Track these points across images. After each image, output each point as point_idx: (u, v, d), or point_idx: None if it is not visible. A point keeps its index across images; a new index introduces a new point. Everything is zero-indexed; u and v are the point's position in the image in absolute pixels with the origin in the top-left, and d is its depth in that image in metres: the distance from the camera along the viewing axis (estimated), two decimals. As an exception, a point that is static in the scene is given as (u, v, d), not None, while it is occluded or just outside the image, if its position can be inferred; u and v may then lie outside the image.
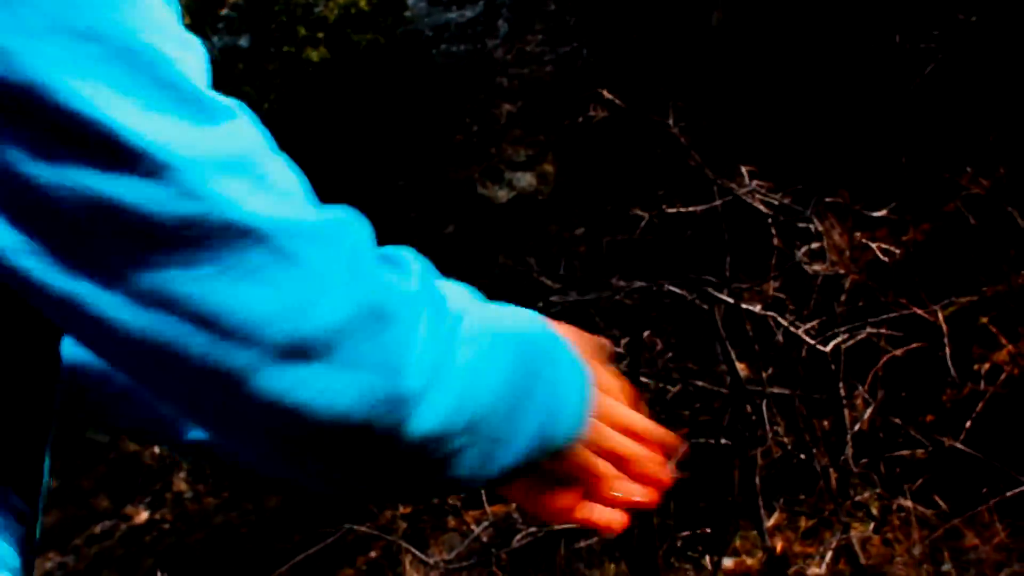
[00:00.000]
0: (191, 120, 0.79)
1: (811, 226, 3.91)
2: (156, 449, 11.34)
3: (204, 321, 0.78)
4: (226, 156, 0.80)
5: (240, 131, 0.82)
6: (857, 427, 3.87)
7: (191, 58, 0.82)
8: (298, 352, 0.78)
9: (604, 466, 1.00)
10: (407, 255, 0.89)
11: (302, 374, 0.78)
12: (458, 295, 0.92)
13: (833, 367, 3.83)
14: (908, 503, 3.62)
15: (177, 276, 0.77)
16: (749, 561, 3.97)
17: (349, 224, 0.85)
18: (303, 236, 0.80)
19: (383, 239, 0.95)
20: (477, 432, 0.87)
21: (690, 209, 4.09)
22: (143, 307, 0.78)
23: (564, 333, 1.00)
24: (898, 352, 4.03)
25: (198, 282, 0.78)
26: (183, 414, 0.90)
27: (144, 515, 9.87)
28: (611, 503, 1.01)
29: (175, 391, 0.82)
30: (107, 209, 0.76)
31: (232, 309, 0.78)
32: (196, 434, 1.19)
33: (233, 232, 0.78)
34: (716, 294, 3.67)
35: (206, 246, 0.78)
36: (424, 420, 0.83)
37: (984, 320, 4.29)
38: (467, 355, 0.87)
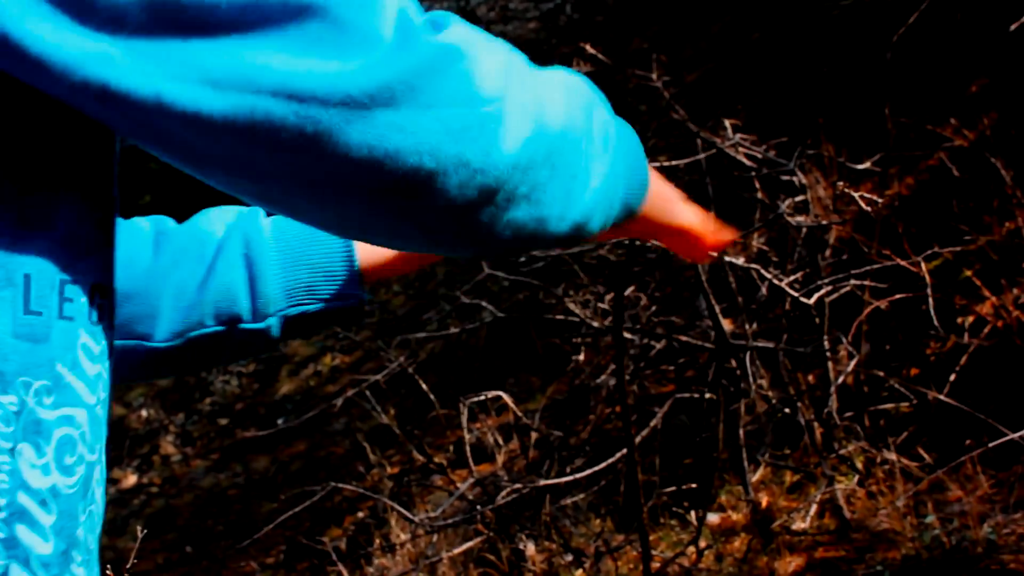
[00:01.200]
0: None
1: (795, 179, 3.89)
2: (143, 412, 11.33)
3: (284, 92, 0.81)
4: None
5: None
6: (841, 380, 3.87)
7: None
8: (378, 101, 0.83)
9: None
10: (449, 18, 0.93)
11: (387, 119, 0.83)
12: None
13: (817, 320, 3.82)
14: (892, 456, 3.62)
15: (249, 55, 0.81)
16: (735, 516, 3.97)
17: None
18: (354, 6, 0.84)
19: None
20: (556, 164, 0.94)
21: (673, 163, 4.06)
22: (225, 91, 0.81)
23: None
24: (882, 304, 4.02)
25: (270, 57, 0.81)
26: (285, 193, 0.89)
27: (132, 479, 9.88)
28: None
29: (274, 170, 0.85)
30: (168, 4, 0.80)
31: (308, 75, 0.81)
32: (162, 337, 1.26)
33: (291, 9, 0.82)
34: (699, 248, 3.64)
35: (271, 24, 0.81)
36: (508, 142, 0.89)
37: (968, 272, 4.28)
38: (534, 86, 0.94)
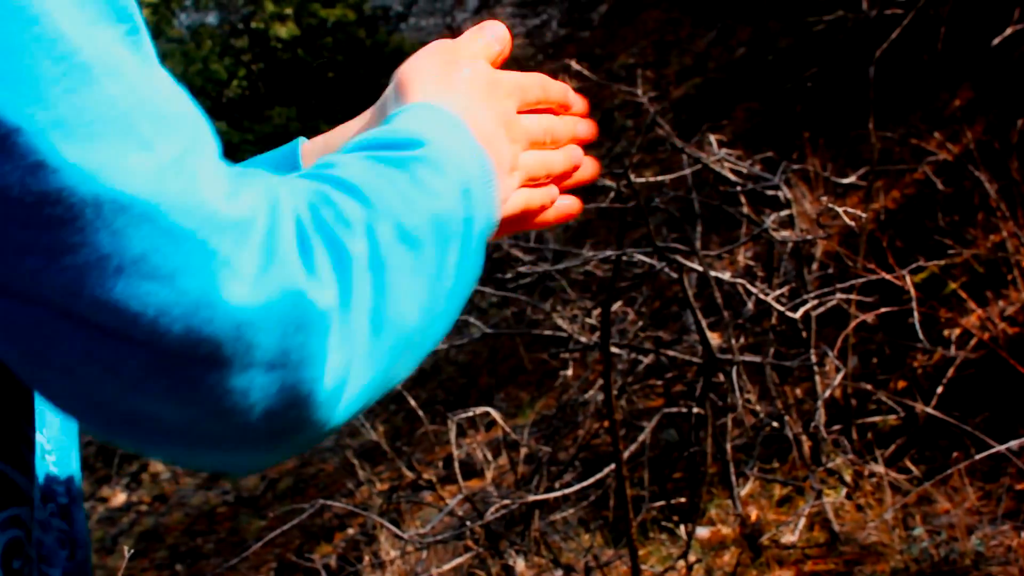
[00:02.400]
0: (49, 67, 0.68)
1: (780, 193, 3.91)
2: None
3: (85, 321, 0.68)
4: (92, 115, 0.68)
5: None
6: (828, 394, 3.88)
7: None
8: (201, 355, 0.69)
9: (530, 195, 1.00)
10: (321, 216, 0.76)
11: (208, 377, 0.69)
12: (358, 181, 0.81)
13: (804, 334, 3.84)
14: (880, 469, 3.63)
15: (47, 268, 0.67)
16: (724, 530, 3.98)
17: (266, 202, 0.73)
18: (201, 217, 0.69)
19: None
20: (412, 347, 0.82)
21: (659, 178, 4.08)
22: (20, 304, 0.68)
23: (445, 66, 0.96)
24: (869, 318, 4.04)
25: (70, 274, 0.67)
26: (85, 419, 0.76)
27: (121, 497, 9.85)
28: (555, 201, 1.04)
29: (68, 394, 0.72)
30: None
31: (115, 306, 0.67)
32: None
33: (107, 209, 0.67)
34: (686, 263, 3.66)
35: (74, 228, 0.67)
36: (347, 406, 0.76)
37: (954, 285, 4.30)
38: (383, 323, 0.78)
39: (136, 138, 0.68)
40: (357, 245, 0.75)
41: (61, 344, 0.69)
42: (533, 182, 1.01)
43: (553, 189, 1.03)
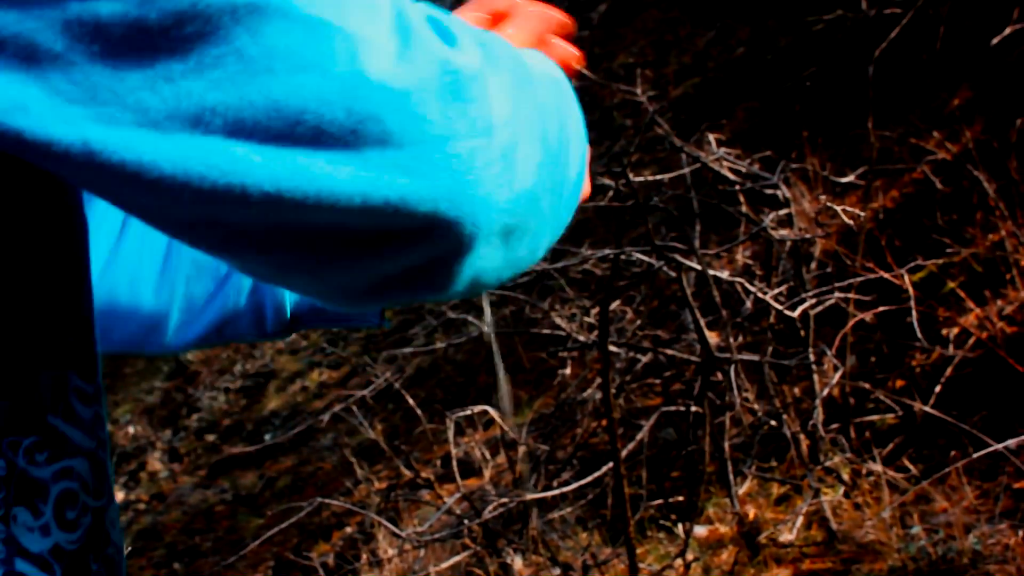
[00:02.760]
0: None
1: (779, 192, 3.91)
2: (131, 429, 11.31)
3: (251, 129, 0.67)
4: None
5: None
6: (826, 392, 3.88)
7: None
8: (372, 135, 0.69)
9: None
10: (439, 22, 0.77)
11: (388, 159, 0.70)
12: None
13: (803, 333, 3.84)
14: (878, 467, 3.63)
15: (191, 86, 0.65)
16: (722, 528, 3.98)
17: None
18: (330, 4, 0.68)
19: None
20: (548, 198, 0.81)
21: (658, 177, 4.08)
22: (169, 134, 0.66)
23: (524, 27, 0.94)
24: (867, 317, 4.04)
25: (220, 87, 0.66)
26: (248, 259, 0.74)
27: (119, 496, 9.85)
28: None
29: (236, 240, 0.72)
30: (87, 22, 0.64)
31: (278, 107, 0.66)
32: (180, 337, 1.17)
33: (241, 12, 0.66)
34: (684, 261, 3.66)
35: (218, 39, 0.66)
36: (522, 178, 0.76)
37: (952, 284, 4.30)
38: (531, 101, 0.79)
39: None
40: (494, 109, 0.75)
41: (247, 168, 0.68)
42: None
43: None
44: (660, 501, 4.11)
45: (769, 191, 3.91)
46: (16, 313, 0.75)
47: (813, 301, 3.80)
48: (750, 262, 4.37)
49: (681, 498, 4.12)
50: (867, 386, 4.04)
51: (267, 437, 10.19)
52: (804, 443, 3.81)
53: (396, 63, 0.69)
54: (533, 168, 0.77)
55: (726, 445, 3.79)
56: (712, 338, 3.93)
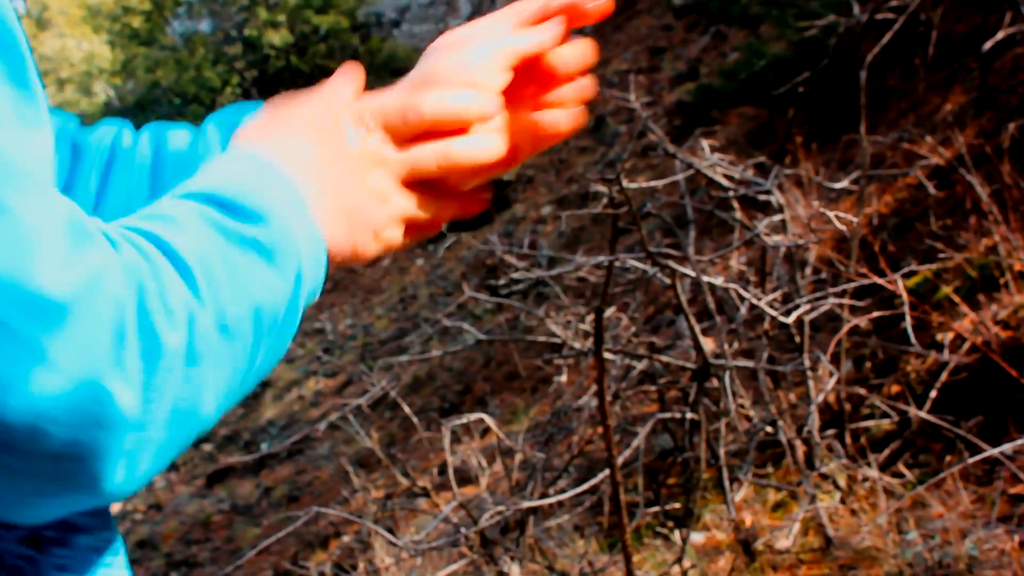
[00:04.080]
0: None
1: (773, 198, 3.91)
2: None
3: None
4: None
5: None
6: (822, 398, 3.88)
7: None
8: None
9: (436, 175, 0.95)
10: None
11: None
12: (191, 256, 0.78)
13: (798, 339, 3.84)
14: (874, 473, 3.63)
15: None
16: (719, 535, 3.98)
17: (93, 279, 0.70)
18: (19, 299, 0.67)
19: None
20: (200, 425, 0.79)
21: (652, 184, 4.08)
22: None
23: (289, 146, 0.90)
24: (862, 322, 4.04)
25: None
26: None
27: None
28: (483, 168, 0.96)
29: None
30: None
31: None
32: None
33: None
34: (679, 268, 3.66)
35: None
36: (133, 484, 0.75)
37: (947, 289, 4.30)
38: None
39: None
40: (174, 338, 0.73)
41: None
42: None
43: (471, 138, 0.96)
44: (657, 508, 4.11)
45: (763, 197, 3.91)
46: None
47: (808, 307, 3.80)
48: (744, 268, 4.38)
49: (678, 505, 4.12)
50: (863, 392, 4.04)
51: (264, 446, 10.19)
52: (800, 449, 3.81)
53: (53, 379, 0.68)
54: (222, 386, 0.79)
55: (722, 452, 3.79)
56: (707, 344, 3.94)
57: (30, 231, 0.67)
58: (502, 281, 4.29)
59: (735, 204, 4.09)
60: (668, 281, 3.75)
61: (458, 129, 0.95)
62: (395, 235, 0.95)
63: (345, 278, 12.36)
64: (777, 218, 3.94)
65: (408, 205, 0.95)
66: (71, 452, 0.70)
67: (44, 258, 0.67)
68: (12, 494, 0.73)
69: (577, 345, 4.15)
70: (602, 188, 3.85)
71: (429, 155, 0.94)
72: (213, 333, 0.77)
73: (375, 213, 0.92)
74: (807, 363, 3.82)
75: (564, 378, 4.79)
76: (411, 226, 0.96)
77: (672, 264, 3.64)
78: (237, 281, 0.79)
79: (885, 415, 4.02)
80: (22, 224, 0.67)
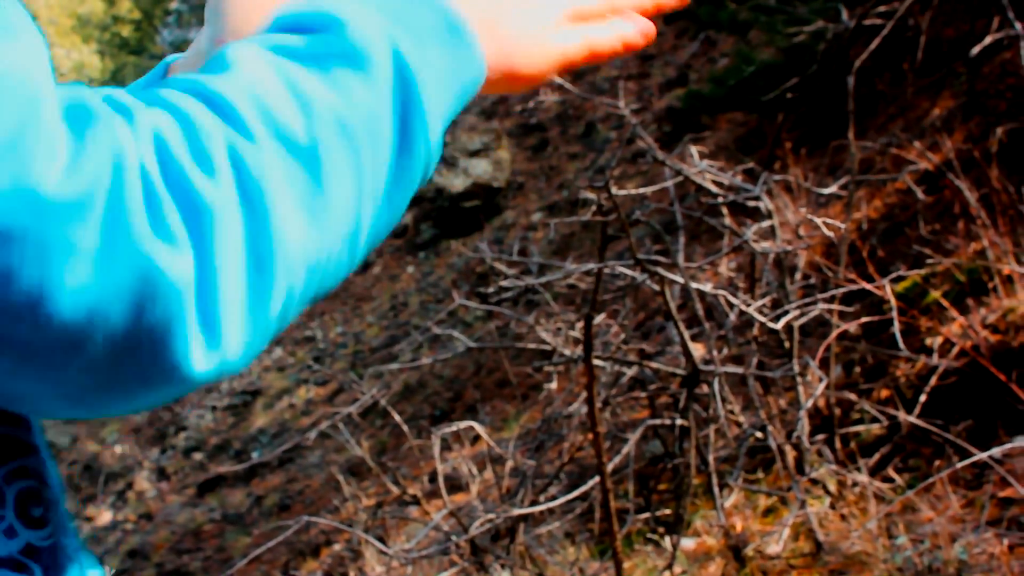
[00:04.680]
0: None
1: (762, 204, 3.92)
2: (118, 449, 11.27)
3: None
4: None
5: None
6: (812, 404, 3.88)
7: None
8: (54, 344, 0.65)
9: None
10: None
11: (67, 364, 0.66)
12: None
13: (787, 344, 3.84)
14: (864, 478, 3.63)
15: None
16: (709, 541, 3.98)
17: (110, 160, 0.65)
18: (33, 207, 0.63)
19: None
20: (319, 272, 0.74)
21: (641, 190, 4.09)
22: None
23: None
24: (851, 327, 4.05)
25: None
26: None
27: (107, 516, 9.81)
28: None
29: None
30: None
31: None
32: None
33: None
34: (668, 275, 3.67)
35: None
36: (230, 360, 0.70)
37: (936, 294, 4.31)
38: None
39: None
40: (219, 185, 0.68)
41: None
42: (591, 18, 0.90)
43: (621, 24, 0.90)
44: (647, 514, 4.11)
45: (752, 203, 3.92)
46: None
47: (797, 312, 3.81)
48: (734, 274, 4.38)
49: (668, 511, 4.12)
50: (852, 397, 4.04)
51: (255, 455, 10.17)
52: (790, 454, 3.81)
53: (94, 271, 0.64)
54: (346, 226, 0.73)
55: (712, 457, 3.79)
56: (697, 350, 3.94)
57: (22, 136, 0.62)
58: (492, 288, 4.29)
59: (724, 210, 4.09)
60: (657, 288, 3.76)
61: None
62: (573, 42, 0.88)
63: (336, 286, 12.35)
64: (766, 224, 3.95)
65: None
66: (137, 337, 0.66)
67: (45, 162, 0.63)
68: (104, 393, 0.68)
69: (567, 352, 4.15)
70: (591, 195, 3.85)
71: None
72: (276, 160, 0.69)
73: (540, 9, 0.86)
74: (796, 368, 3.82)
75: (554, 385, 4.79)
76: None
77: (661, 271, 3.64)
78: (302, 99, 0.71)
79: (875, 420, 4.03)
80: (10, 131, 0.62)
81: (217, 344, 0.68)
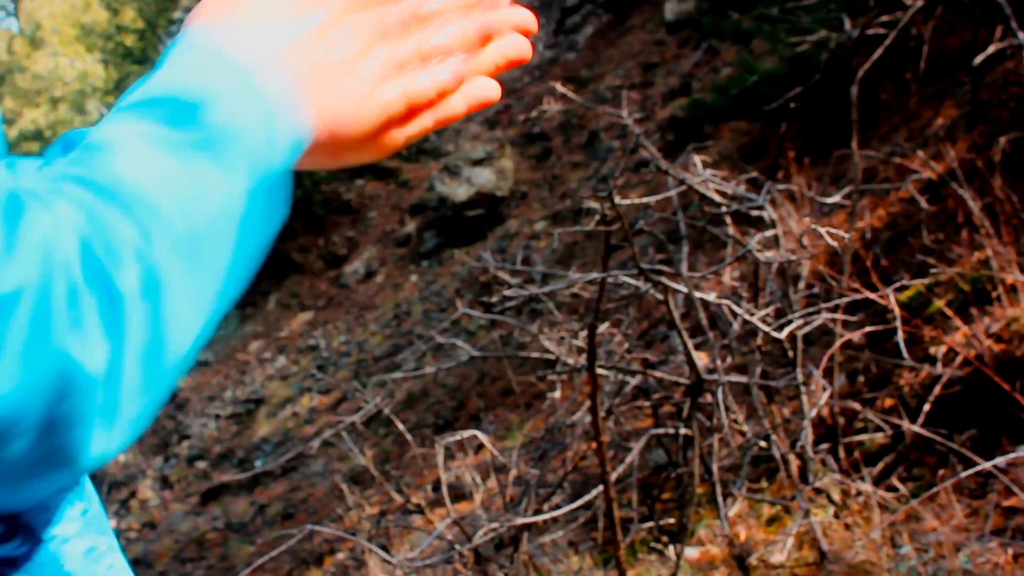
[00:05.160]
0: None
1: (766, 214, 3.92)
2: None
3: None
4: None
5: None
6: (815, 413, 3.88)
7: None
8: None
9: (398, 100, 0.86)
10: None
11: None
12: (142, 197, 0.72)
13: (791, 353, 3.84)
14: (868, 487, 3.63)
15: None
16: (713, 550, 3.98)
17: (40, 255, 0.66)
18: None
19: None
20: (200, 332, 0.75)
21: (645, 200, 4.09)
22: None
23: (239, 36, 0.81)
24: (855, 337, 4.05)
25: None
26: None
27: (110, 524, 9.81)
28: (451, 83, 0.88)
29: None
30: None
31: None
32: None
33: None
34: (671, 284, 3.67)
35: None
36: (121, 439, 0.71)
37: (939, 303, 4.31)
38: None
39: None
40: (128, 277, 0.69)
41: None
42: (418, 62, 0.87)
43: (457, 67, 0.88)
44: (651, 523, 4.11)
45: (756, 212, 3.92)
46: None
47: (800, 322, 3.81)
48: (737, 283, 4.38)
49: (672, 520, 4.12)
50: (856, 406, 4.04)
51: (258, 463, 10.17)
52: (794, 464, 3.81)
53: (15, 369, 0.65)
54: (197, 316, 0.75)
55: (716, 467, 3.79)
56: (701, 360, 3.94)
57: None
58: (495, 297, 4.29)
59: (728, 219, 4.09)
60: (661, 297, 3.76)
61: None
62: (391, 96, 0.86)
63: (339, 294, 12.36)
64: (770, 233, 3.95)
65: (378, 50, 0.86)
66: (48, 431, 0.67)
67: None
68: None
69: (571, 361, 4.15)
70: (595, 204, 3.86)
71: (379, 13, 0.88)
72: (167, 261, 0.72)
73: (353, 67, 0.85)
74: (800, 378, 3.82)
75: (558, 394, 4.79)
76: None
77: (665, 280, 3.64)
78: (180, 195, 0.73)
79: (878, 429, 4.02)
80: None
81: (112, 430, 0.70)
